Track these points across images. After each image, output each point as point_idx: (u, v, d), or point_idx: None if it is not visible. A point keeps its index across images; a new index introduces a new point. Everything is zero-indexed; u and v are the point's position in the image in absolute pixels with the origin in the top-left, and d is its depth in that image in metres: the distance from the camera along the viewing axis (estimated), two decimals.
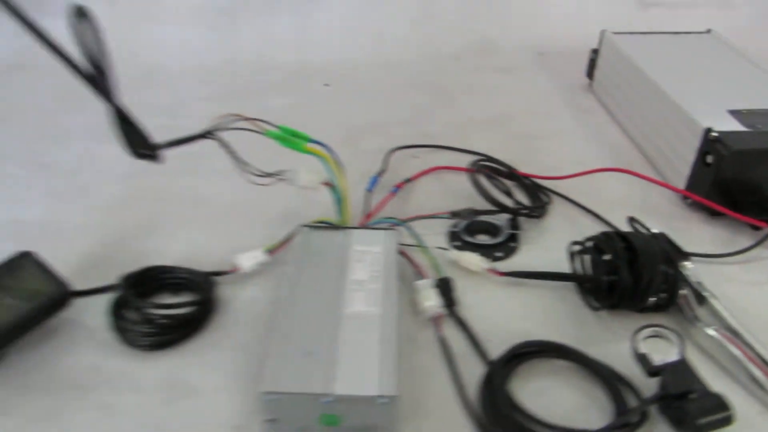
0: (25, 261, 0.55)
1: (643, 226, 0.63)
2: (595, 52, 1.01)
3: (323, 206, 0.65)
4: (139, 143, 0.49)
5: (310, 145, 0.61)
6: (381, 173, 0.77)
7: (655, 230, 0.62)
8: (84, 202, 0.75)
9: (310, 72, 1.07)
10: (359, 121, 0.92)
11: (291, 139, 0.60)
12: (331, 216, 0.65)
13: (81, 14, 0.44)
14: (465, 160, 0.82)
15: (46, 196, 0.75)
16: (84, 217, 0.72)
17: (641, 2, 1.21)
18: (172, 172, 0.79)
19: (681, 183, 0.75)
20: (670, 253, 0.58)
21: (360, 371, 0.46)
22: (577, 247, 0.61)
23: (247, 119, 0.58)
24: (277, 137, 0.60)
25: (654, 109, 0.82)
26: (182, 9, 1.15)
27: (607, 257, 0.57)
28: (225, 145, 0.57)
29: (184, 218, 0.72)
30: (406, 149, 0.83)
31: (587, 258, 0.62)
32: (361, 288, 0.54)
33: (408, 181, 0.77)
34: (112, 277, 0.60)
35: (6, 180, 0.78)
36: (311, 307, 0.52)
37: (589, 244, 0.60)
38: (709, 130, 0.69)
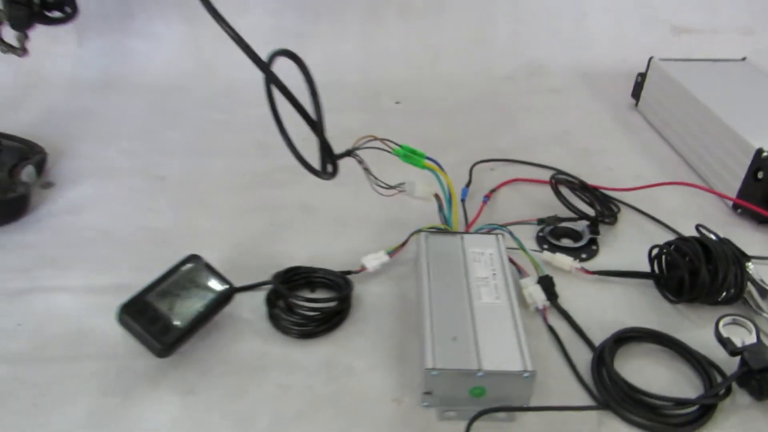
0: (195, 263, 0.65)
1: (710, 231, 0.74)
2: (642, 75, 1.11)
3: (419, 213, 0.77)
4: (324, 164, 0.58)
5: (427, 161, 0.71)
6: (469, 185, 0.87)
7: (719, 234, 0.73)
8: (207, 210, 0.84)
9: (377, 90, 1.17)
10: (434, 136, 1.02)
11: (412, 156, 0.70)
12: (433, 222, 0.74)
13: (289, 56, 0.53)
14: (535, 173, 0.92)
15: (172, 206, 0.84)
16: (211, 224, 0.81)
17: (674, 28, 1.32)
18: (278, 183, 0.89)
19: (731, 195, 0.85)
20: (737, 254, 0.68)
21: (502, 351, 0.56)
22: (656, 250, 0.71)
23: (377, 139, 0.68)
24: (400, 154, 0.70)
25: (704, 129, 0.93)
26: (254, 30, 1.24)
27: (686, 258, 0.67)
28: (362, 162, 0.67)
29: (300, 225, 0.81)
30: (484, 163, 0.94)
31: (663, 259, 0.72)
32: (485, 284, 0.63)
33: (492, 191, 0.87)
34: (252, 277, 0.70)
35: (134, 192, 0.87)
36: (448, 300, 0.61)
37: (668, 248, 0.70)
38: (761, 150, 0.80)
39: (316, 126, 0.55)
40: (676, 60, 1.08)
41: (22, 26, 0.66)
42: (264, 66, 0.53)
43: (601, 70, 1.25)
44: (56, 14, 0.68)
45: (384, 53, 1.24)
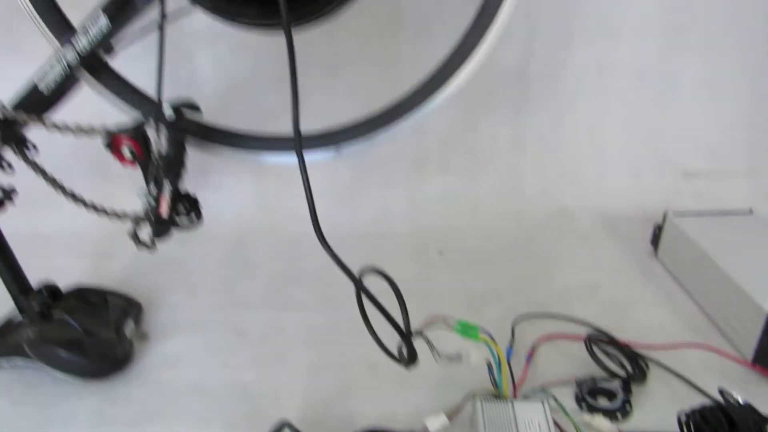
0: (287, 429, 0.76)
1: (731, 396, 0.84)
2: (659, 227, 1.24)
3: (470, 371, 0.86)
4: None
5: (481, 335, 0.83)
6: (512, 344, 0.99)
7: (740, 398, 0.83)
8: (284, 366, 0.96)
9: (423, 241, 1.31)
10: (475, 289, 1.15)
11: (468, 331, 0.83)
12: (483, 380, 0.85)
13: (378, 273, 0.66)
14: (570, 327, 1.04)
15: (254, 361, 0.97)
16: (289, 381, 0.93)
17: (685, 173, 1.47)
18: (344, 338, 1.02)
19: (749, 350, 0.95)
20: (759, 421, 0.78)
21: None
22: (684, 417, 0.81)
23: (439, 320, 0.81)
24: (459, 331, 0.82)
25: (718, 286, 1.04)
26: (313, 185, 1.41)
27: (712, 427, 0.77)
28: (429, 342, 0.79)
29: (365, 382, 0.92)
30: (524, 319, 1.06)
31: (691, 425, 0.82)
32: None
33: (533, 349, 0.98)
34: None
35: (219, 346, 1.00)
36: None
37: (695, 416, 0.80)
38: None
39: (405, 334, 0.67)
40: (688, 215, 1.20)
41: (163, 236, 0.83)
42: (356, 281, 0.67)
43: (621, 216, 1.39)
44: (184, 221, 0.84)
45: (427, 204, 1.39)
